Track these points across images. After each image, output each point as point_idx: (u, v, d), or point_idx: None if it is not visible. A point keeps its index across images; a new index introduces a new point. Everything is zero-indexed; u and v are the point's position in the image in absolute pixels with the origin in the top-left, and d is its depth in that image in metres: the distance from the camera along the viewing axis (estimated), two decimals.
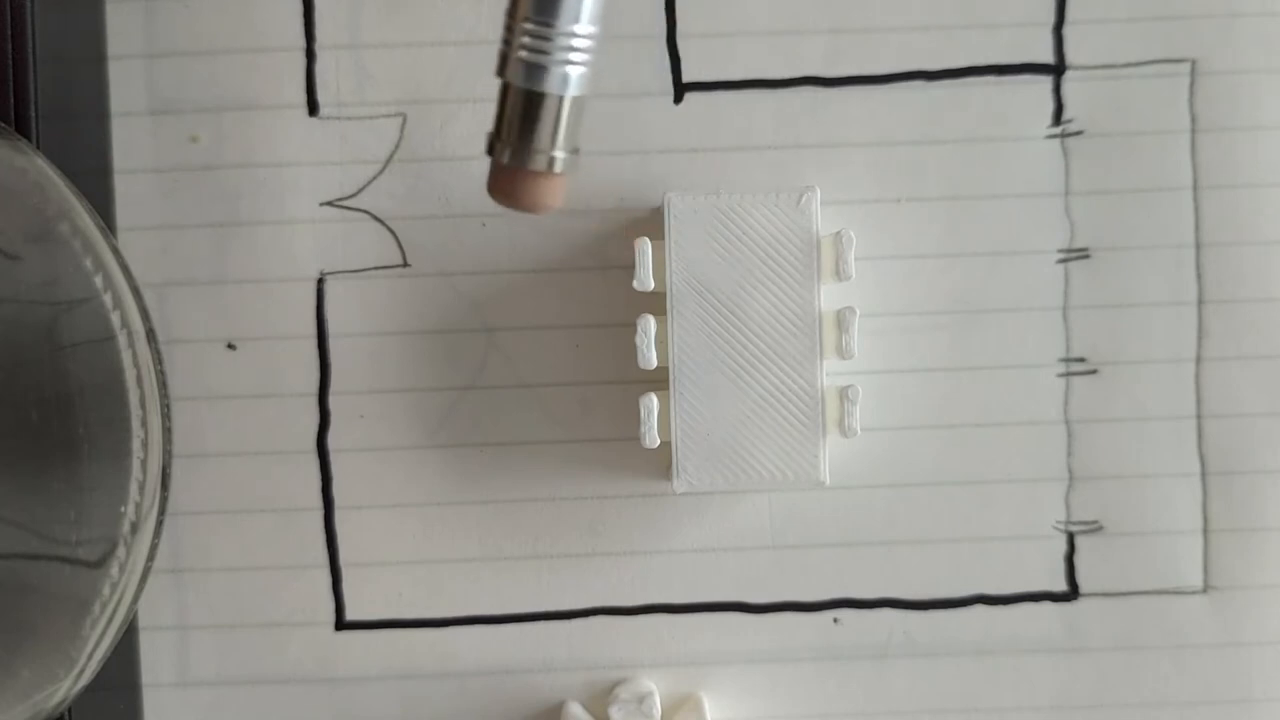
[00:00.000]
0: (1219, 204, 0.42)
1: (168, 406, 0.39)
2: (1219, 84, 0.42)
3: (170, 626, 0.42)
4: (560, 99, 0.32)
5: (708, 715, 0.42)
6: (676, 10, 0.42)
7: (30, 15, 0.39)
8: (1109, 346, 0.42)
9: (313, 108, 0.42)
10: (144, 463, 0.37)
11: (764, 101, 0.42)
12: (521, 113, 0.32)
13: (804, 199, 0.40)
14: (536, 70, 0.32)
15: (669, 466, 0.40)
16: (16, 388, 0.36)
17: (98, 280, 0.37)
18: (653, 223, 0.42)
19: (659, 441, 0.40)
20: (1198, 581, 0.42)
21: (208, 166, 0.42)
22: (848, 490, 0.42)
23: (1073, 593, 0.42)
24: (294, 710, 0.43)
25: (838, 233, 0.40)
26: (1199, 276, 0.42)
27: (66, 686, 0.37)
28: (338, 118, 0.42)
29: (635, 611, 0.43)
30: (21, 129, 0.39)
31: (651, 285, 0.40)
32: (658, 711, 0.41)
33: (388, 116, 0.42)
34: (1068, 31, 0.42)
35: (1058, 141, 0.42)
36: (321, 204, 0.42)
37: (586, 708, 0.42)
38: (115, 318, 0.37)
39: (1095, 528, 0.42)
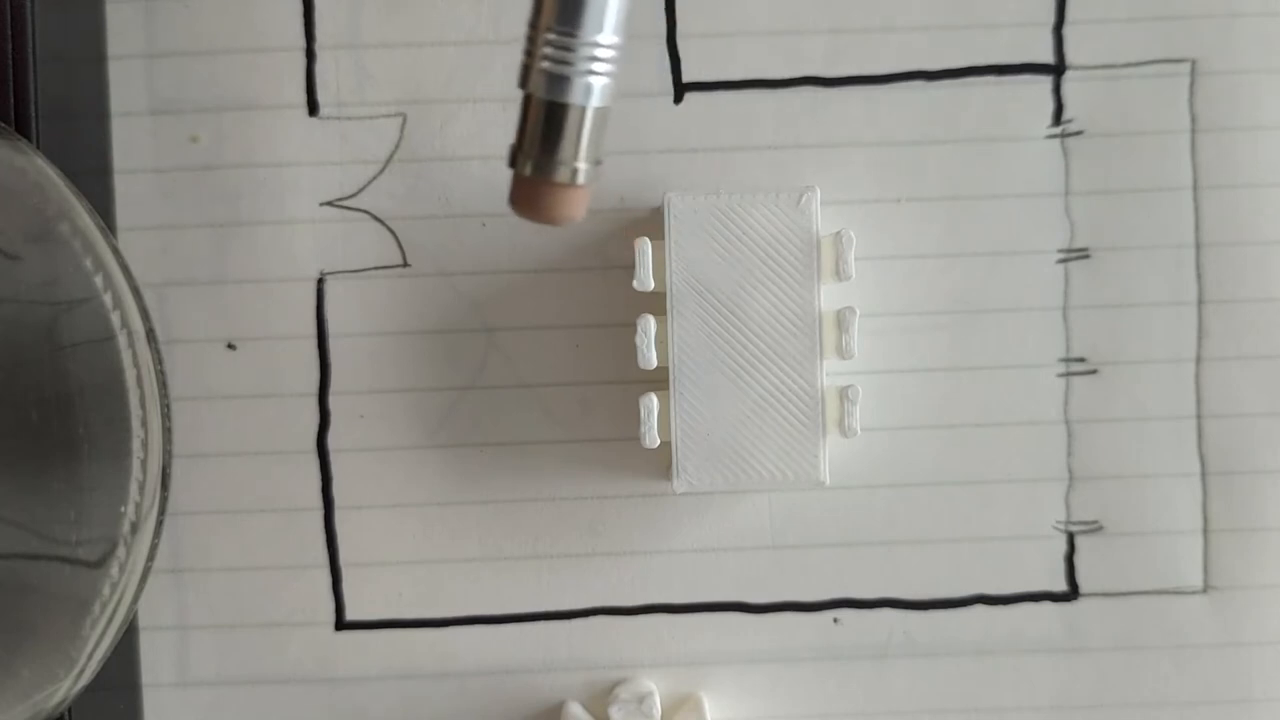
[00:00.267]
0: (1219, 204, 0.42)
1: (168, 406, 0.39)
2: (1219, 84, 0.42)
3: (170, 626, 0.42)
4: (583, 110, 0.32)
5: (708, 715, 0.42)
6: (676, 10, 0.42)
7: (30, 15, 0.39)
8: (1109, 346, 0.42)
9: (313, 108, 0.42)
10: (144, 463, 0.37)
11: (764, 101, 0.42)
12: (544, 124, 0.32)
13: (804, 199, 0.40)
14: (559, 81, 0.31)
15: (669, 466, 0.40)
16: (16, 388, 0.36)
17: (98, 280, 0.37)
18: (653, 223, 0.42)
19: (659, 441, 0.40)
20: (1198, 581, 0.42)
21: (208, 166, 0.42)
22: (848, 490, 0.42)
23: (1073, 593, 0.42)
24: (294, 710, 0.43)
25: (838, 233, 0.40)
26: (1199, 276, 0.42)
27: (66, 686, 0.37)
28: (338, 118, 0.42)
29: (635, 611, 0.43)
30: (21, 129, 0.39)
31: (651, 285, 0.40)
32: (658, 711, 0.41)
33: (388, 116, 0.42)
34: (1068, 31, 0.42)
35: (1058, 141, 0.42)
36: (321, 204, 0.42)
37: (586, 708, 0.42)
38: (115, 318, 0.37)
39: (1095, 528, 0.42)
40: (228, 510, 0.42)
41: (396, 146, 0.42)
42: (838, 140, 0.42)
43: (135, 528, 0.37)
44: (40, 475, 0.36)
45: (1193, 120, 0.42)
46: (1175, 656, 0.42)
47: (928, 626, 0.43)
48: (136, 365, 0.38)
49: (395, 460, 0.42)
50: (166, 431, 0.39)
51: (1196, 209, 0.42)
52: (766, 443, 0.40)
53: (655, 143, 0.42)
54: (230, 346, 0.42)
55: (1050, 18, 0.42)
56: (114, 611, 0.37)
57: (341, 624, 0.43)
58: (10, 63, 0.39)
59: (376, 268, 0.42)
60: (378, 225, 0.42)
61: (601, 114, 0.32)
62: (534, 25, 0.32)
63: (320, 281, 0.42)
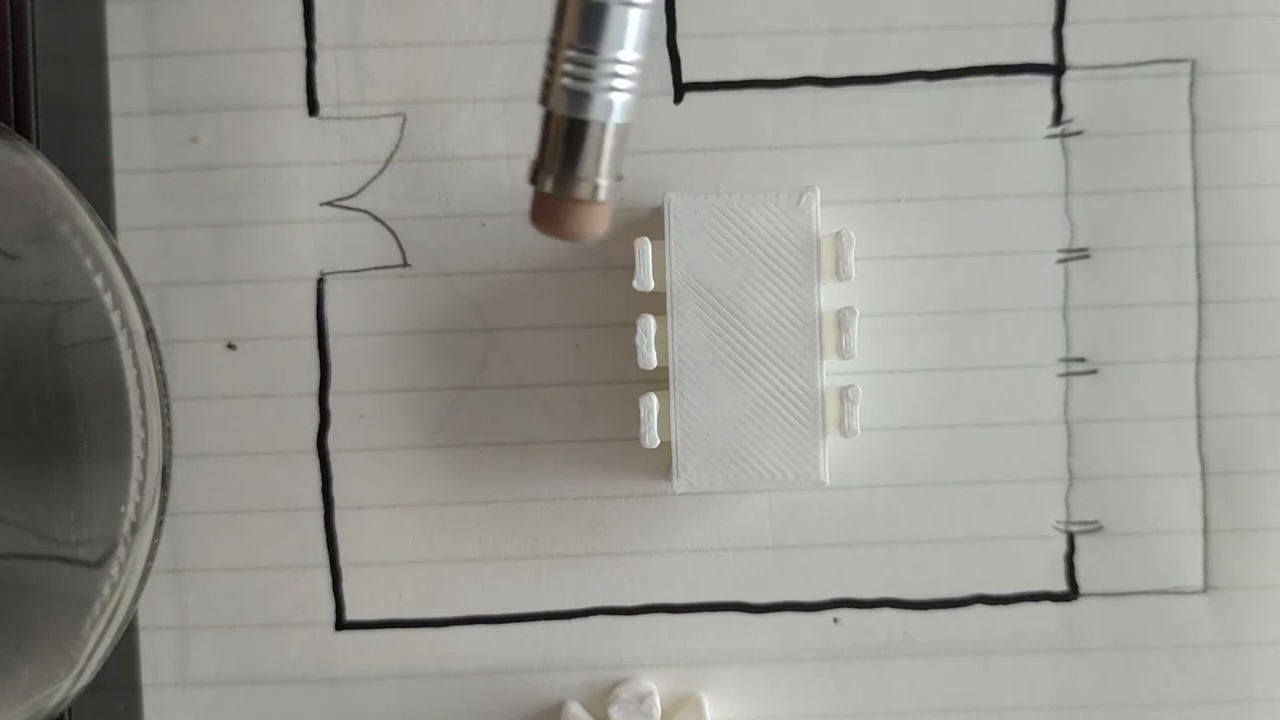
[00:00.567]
0: (1219, 204, 0.42)
1: (168, 406, 0.39)
2: (1219, 84, 0.42)
3: (170, 626, 0.42)
4: (604, 126, 0.31)
5: (708, 715, 0.42)
6: (676, 10, 0.42)
7: (30, 15, 0.39)
8: (1109, 346, 0.42)
9: (313, 108, 0.42)
10: (144, 463, 0.37)
11: (764, 101, 0.42)
12: (565, 141, 0.31)
13: (804, 199, 0.40)
14: (580, 98, 0.31)
15: (669, 466, 0.40)
16: (16, 388, 0.36)
17: (98, 280, 0.37)
18: (653, 223, 0.42)
19: (659, 441, 0.40)
20: (1198, 581, 0.42)
21: (208, 166, 0.42)
22: (848, 490, 0.42)
23: (1073, 593, 0.42)
24: (294, 710, 0.43)
25: (838, 233, 0.40)
26: (1199, 276, 0.42)
27: (66, 686, 0.37)
28: (338, 118, 0.42)
29: (635, 611, 0.43)
30: (21, 129, 0.39)
31: (651, 285, 0.40)
32: (658, 711, 0.41)
33: (388, 116, 0.42)
34: (1068, 31, 0.42)
35: (1058, 141, 0.42)
36: (321, 204, 0.42)
37: (586, 708, 0.42)
38: (115, 318, 0.37)
39: (1095, 528, 0.42)
40: (228, 510, 0.42)
41: (396, 146, 0.42)
42: (838, 140, 0.42)
43: (135, 528, 0.37)
44: (40, 475, 0.36)
45: (1193, 120, 0.42)
46: (1175, 656, 0.42)
47: (928, 626, 0.43)
48: (136, 365, 0.38)
49: (395, 460, 0.42)
50: (166, 431, 0.39)
51: (1196, 209, 0.42)
52: (766, 443, 0.40)
53: (655, 143, 0.42)
54: (230, 346, 0.42)
55: (1050, 18, 0.42)
56: (114, 611, 0.37)
57: (341, 624, 0.43)
58: (10, 63, 0.39)
59: (376, 268, 0.42)
60: (378, 225, 0.42)
61: (622, 130, 0.32)
62: (555, 41, 0.31)
63: (320, 281, 0.42)
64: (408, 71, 0.42)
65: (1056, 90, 0.42)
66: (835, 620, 0.43)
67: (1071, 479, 0.42)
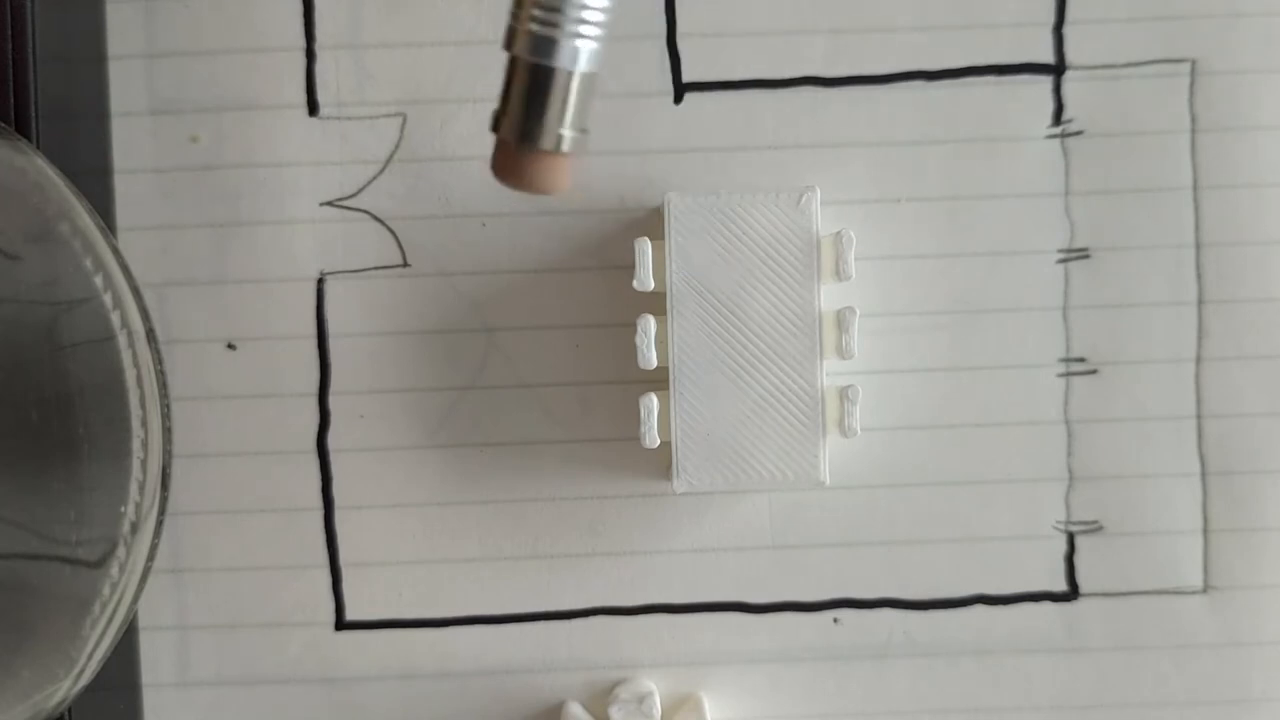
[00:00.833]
0: (1219, 204, 0.42)
1: (168, 406, 0.39)
2: (1219, 84, 0.42)
3: (170, 626, 0.42)
4: (570, 74, 0.30)
5: (708, 715, 0.42)
6: (676, 10, 0.42)
7: (30, 15, 0.39)
8: (1109, 346, 0.42)
9: (313, 108, 0.42)
10: (144, 463, 0.37)
11: (764, 101, 0.42)
12: (529, 88, 0.30)
13: (804, 199, 0.40)
14: (546, 43, 0.30)
15: (669, 466, 0.40)
16: (16, 388, 0.36)
17: (98, 280, 0.37)
18: (653, 223, 0.42)
19: (659, 441, 0.40)
20: (1198, 581, 0.42)
21: (208, 166, 0.42)
22: (848, 490, 0.42)
23: (1073, 593, 0.42)
24: (294, 710, 0.43)
25: (838, 233, 0.40)
26: (1199, 276, 0.42)
27: (66, 686, 0.37)
28: (338, 118, 0.42)
29: (635, 611, 0.43)
30: (21, 129, 0.39)
31: (651, 285, 0.40)
32: (658, 711, 0.41)
33: (388, 116, 0.42)
34: (1068, 31, 0.42)
35: (1058, 141, 0.42)
36: (321, 204, 0.42)
37: (586, 708, 0.42)
38: (115, 318, 0.37)
39: (1095, 528, 0.42)
40: (228, 510, 0.42)
41: (396, 146, 0.42)
42: (838, 140, 0.42)
43: (135, 528, 0.37)
44: (40, 475, 0.36)
45: (1193, 120, 0.42)
46: (1175, 656, 0.42)
47: (928, 626, 0.43)
48: (136, 365, 0.38)
49: (395, 460, 0.42)
50: (166, 431, 0.39)
51: (1196, 209, 0.42)
52: (766, 443, 0.40)
53: (655, 143, 0.42)
54: (230, 346, 0.42)
55: (1050, 18, 0.42)
56: (114, 611, 0.37)
57: (341, 624, 0.43)
58: (10, 63, 0.39)
59: (376, 268, 0.42)
60: (378, 225, 0.42)
61: (588, 79, 0.31)
62: None
63: (320, 281, 0.42)
64: (408, 71, 0.42)
65: (1056, 90, 0.42)
66: (835, 620, 0.43)
67: (1071, 479, 0.42)
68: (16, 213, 0.37)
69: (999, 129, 0.42)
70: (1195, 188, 0.42)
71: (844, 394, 0.40)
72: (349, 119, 0.42)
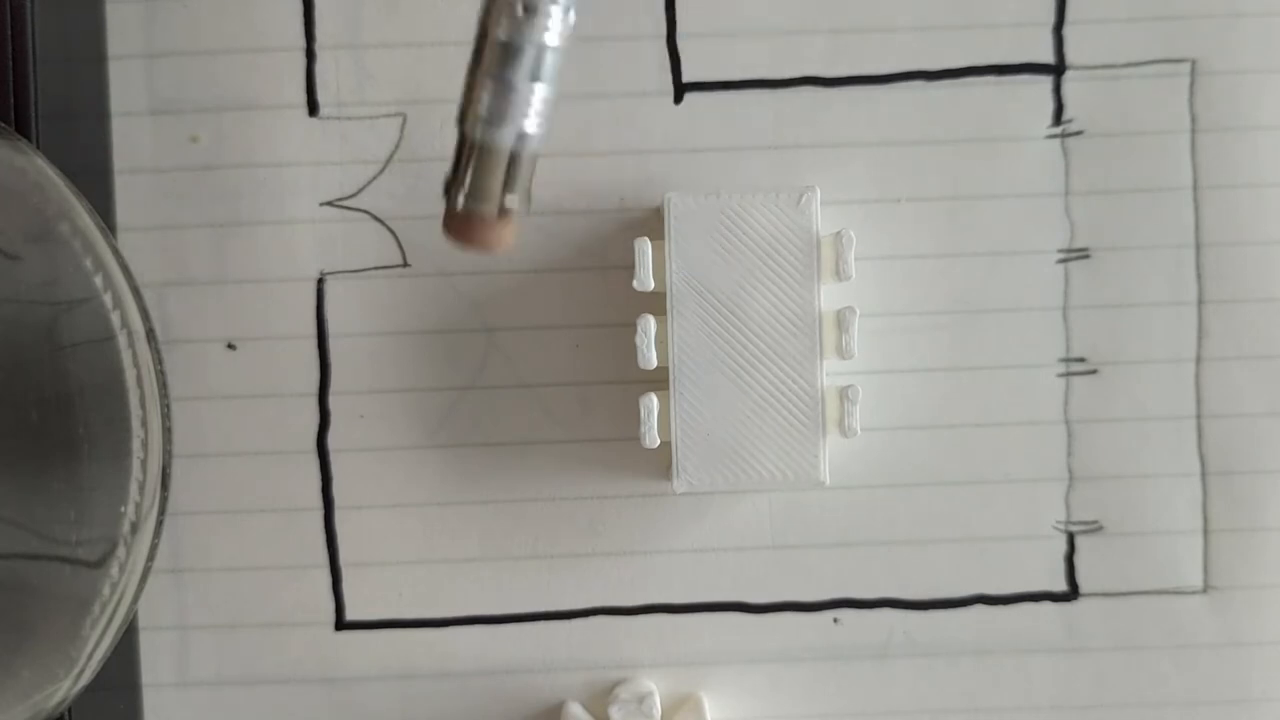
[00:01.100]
0: (1219, 204, 0.42)
1: (168, 406, 0.39)
2: (1219, 84, 0.42)
3: (170, 626, 0.42)
4: (516, 153, 0.33)
5: (708, 715, 0.42)
6: (676, 10, 0.42)
7: (30, 15, 0.39)
8: (1109, 346, 0.42)
9: (313, 108, 0.42)
10: (144, 463, 0.37)
11: (764, 101, 0.42)
12: (477, 163, 0.33)
13: (804, 199, 0.40)
14: (493, 126, 0.33)
15: (669, 466, 0.40)
16: (16, 388, 0.36)
17: (98, 280, 0.37)
18: (653, 223, 0.42)
19: (659, 441, 0.40)
20: (1198, 581, 0.42)
21: (208, 166, 0.42)
22: (848, 490, 0.42)
23: (1073, 593, 0.42)
24: (294, 710, 0.43)
25: (838, 233, 0.40)
26: (1199, 276, 0.42)
27: (66, 686, 0.37)
28: (338, 118, 0.42)
29: (635, 611, 0.43)
30: (21, 129, 0.39)
31: (651, 285, 0.40)
32: (658, 711, 0.41)
33: (388, 116, 0.42)
34: (1068, 31, 0.42)
35: (1058, 141, 0.42)
36: (321, 204, 0.42)
37: (586, 708, 0.42)
38: (115, 318, 0.37)
39: (1095, 528, 0.42)
40: (228, 510, 0.42)
41: (396, 146, 0.42)
42: (837, 140, 0.42)
43: (135, 528, 0.37)
44: (40, 475, 0.36)
45: (1193, 120, 0.42)
46: (1175, 656, 0.42)
47: (928, 626, 0.43)
48: (136, 365, 0.38)
49: (395, 460, 0.42)
50: (166, 431, 0.39)
51: (1196, 209, 0.42)
52: (766, 443, 0.40)
53: (655, 143, 0.42)
54: (230, 346, 0.42)
55: (1050, 18, 0.42)
56: (114, 611, 0.37)
57: (341, 624, 0.43)
58: (10, 63, 0.39)
59: (376, 268, 0.42)
60: (378, 225, 0.42)
61: (532, 157, 0.33)
62: (473, 72, 0.33)
63: (320, 281, 0.42)
64: (408, 71, 0.42)
65: (1056, 90, 0.42)
66: (835, 620, 0.43)
67: (1071, 479, 0.42)
68: (16, 213, 0.37)
69: (999, 129, 0.42)
70: (1195, 188, 0.42)
71: (844, 394, 0.40)
72: (349, 119, 0.42)
